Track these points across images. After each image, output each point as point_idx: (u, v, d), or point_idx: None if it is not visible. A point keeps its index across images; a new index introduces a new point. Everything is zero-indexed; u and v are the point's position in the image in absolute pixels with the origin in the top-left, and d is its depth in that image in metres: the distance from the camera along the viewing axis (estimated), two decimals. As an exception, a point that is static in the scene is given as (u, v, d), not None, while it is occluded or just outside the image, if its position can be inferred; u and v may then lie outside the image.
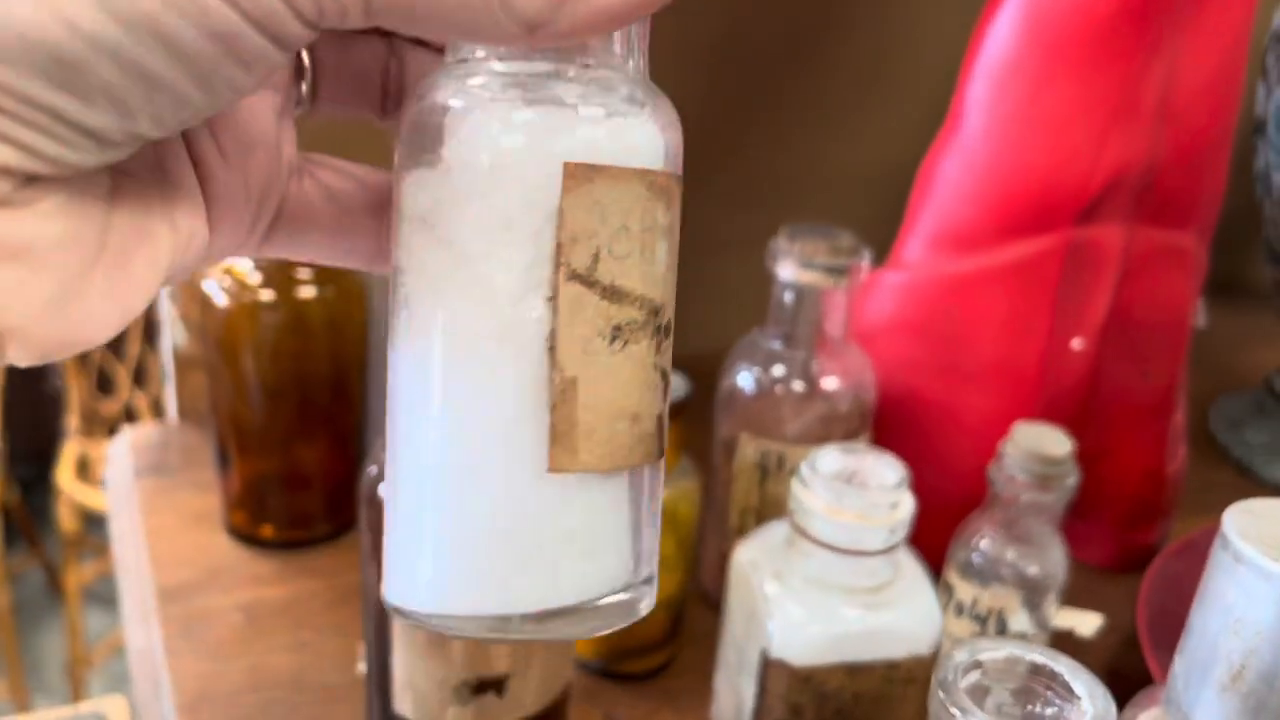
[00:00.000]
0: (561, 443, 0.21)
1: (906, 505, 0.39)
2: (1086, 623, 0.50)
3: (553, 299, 0.20)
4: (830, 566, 0.39)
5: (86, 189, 0.18)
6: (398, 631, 0.38)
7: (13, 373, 1.52)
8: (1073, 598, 0.50)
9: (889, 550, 0.39)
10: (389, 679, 0.39)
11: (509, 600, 0.21)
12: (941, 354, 0.53)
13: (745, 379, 0.51)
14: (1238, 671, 0.26)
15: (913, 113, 0.68)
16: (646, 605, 0.23)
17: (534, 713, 0.40)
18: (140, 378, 1.61)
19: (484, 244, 0.20)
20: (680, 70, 0.23)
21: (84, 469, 1.50)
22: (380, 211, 0.24)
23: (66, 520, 1.46)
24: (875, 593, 0.40)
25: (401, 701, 0.39)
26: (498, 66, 0.21)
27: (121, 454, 0.66)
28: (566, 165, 0.20)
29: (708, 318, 0.61)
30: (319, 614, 0.54)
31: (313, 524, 0.59)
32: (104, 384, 1.58)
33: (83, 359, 1.54)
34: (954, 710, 0.29)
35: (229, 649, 0.51)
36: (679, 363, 0.31)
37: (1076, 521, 0.56)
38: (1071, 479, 0.44)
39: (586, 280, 0.21)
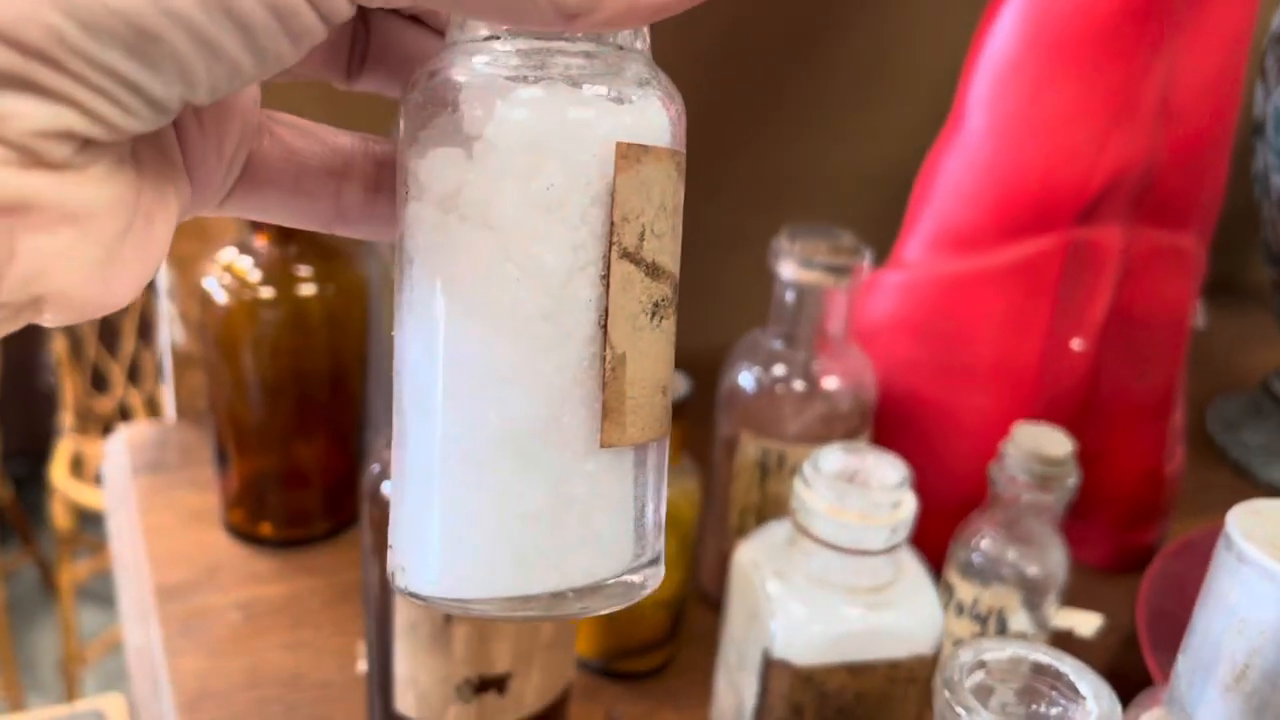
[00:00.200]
0: (612, 418, 0.21)
1: (908, 505, 0.39)
2: (1086, 623, 0.50)
3: (605, 277, 0.21)
4: (832, 566, 0.39)
5: (124, 154, 0.18)
6: (400, 630, 0.38)
7: (6, 369, 1.52)
8: (1071, 598, 0.50)
9: (891, 550, 0.39)
10: (390, 678, 0.39)
11: (536, 578, 0.21)
12: (942, 354, 0.54)
13: (746, 378, 0.51)
14: (1241, 672, 0.26)
15: (913, 113, 0.68)
16: (657, 577, 0.23)
17: (535, 711, 0.40)
18: (135, 375, 1.60)
19: (529, 226, 0.20)
20: (680, 70, 0.23)
21: (78, 466, 1.49)
22: (341, 174, 0.24)
23: (60, 517, 1.46)
24: (877, 592, 0.40)
25: (403, 700, 0.39)
26: (518, 44, 0.21)
27: (119, 451, 0.65)
28: (619, 145, 0.20)
29: (708, 317, 0.61)
30: (318, 612, 0.54)
31: (312, 522, 0.59)
32: (98, 381, 1.58)
33: (77, 356, 1.53)
34: (959, 710, 0.29)
35: (227, 647, 0.51)
36: (680, 362, 0.31)
37: (1075, 521, 0.56)
38: (1072, 479, 0.45)
39: (635, 258, 0.21)
